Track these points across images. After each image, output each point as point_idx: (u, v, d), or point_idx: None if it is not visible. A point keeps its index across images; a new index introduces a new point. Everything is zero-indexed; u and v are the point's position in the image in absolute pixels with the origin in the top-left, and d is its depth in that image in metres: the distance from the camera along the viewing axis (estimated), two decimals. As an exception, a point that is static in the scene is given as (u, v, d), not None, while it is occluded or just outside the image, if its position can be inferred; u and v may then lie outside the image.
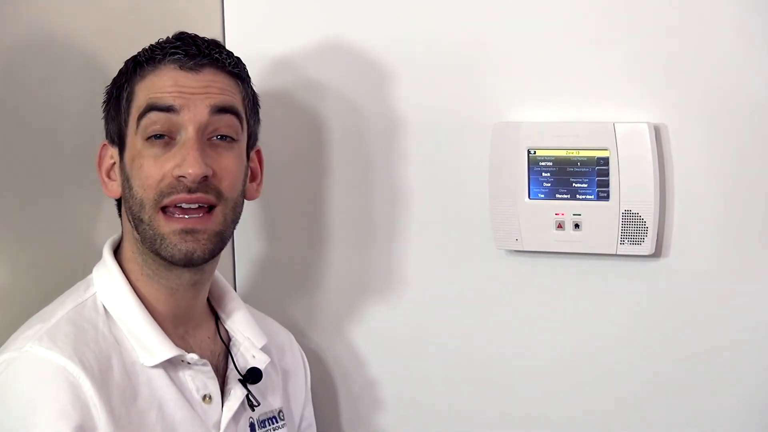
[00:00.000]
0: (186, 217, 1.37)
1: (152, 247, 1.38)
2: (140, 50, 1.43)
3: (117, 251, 1.46)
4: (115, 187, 1.44)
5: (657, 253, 1.52)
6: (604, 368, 1.59)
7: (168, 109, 1.37)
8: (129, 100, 1.41)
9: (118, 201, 1.46)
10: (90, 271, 1.44)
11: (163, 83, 1.39)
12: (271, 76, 1.72)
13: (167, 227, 1.37)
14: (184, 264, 1.39)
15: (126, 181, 1.41)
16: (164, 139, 1.38)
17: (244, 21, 1.77)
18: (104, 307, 1.40)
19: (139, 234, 1.39)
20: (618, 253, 1.52)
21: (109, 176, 1.45)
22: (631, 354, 1.57)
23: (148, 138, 1.38)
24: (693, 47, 1.49)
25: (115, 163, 1.44)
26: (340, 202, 1.74)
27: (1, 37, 1.47)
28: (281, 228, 1.80)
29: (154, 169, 1.37)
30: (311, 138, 1.74)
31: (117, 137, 1.43)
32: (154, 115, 1.37)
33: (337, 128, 1.72)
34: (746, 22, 1.46)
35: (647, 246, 1.51)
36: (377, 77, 1.67)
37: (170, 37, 1.43)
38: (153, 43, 1.43)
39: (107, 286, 1.42)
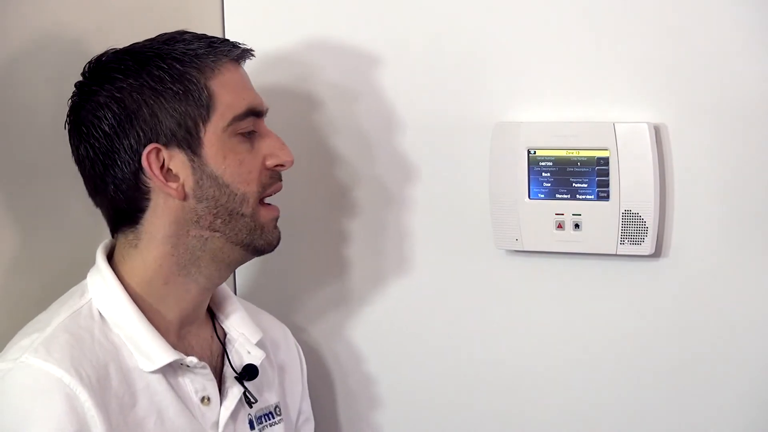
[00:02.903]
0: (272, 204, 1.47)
1: (249, 238, 1.43)
2: (194, 45, 1.39)
3: (111, 256, 1.43)
4: (180, 189, 1.39)
5: (657, 253, 1.52)
6: (603, 368, 1.59)
7: (262, 113, 1.45)
8: (209, 97, 1.38)
9: (133, 208, 1.41)
10: (89, 273, 1.44)
11: (238, 81, 1.43)
12: (271, 74, 1.72)
13: (266, 216, 1.44)
14: (271, 250, 1.47)
15: (211, 179, 1.39)
16: (254, 134, 1.44)
17: (244, 19, 1.77)
18: (100, 313, 1.38)
19: (231, 229, 1.41)
20: (618, 253, 1.52)
21: (166, 179, 1.39)
22: (631, 354, 1.57)
23: (239, 134, 1.41)
24: (693, 47, 1.48)
25: (164, 165, 1.38)
26: (339, 202, 1.74)
27: (1, 37, 1.47)
28: (280, 225, 1.79)
29: (253, 163, 1.42)
30: (310, 137, 1.74)
31: (186, 134, 1.38)
32: (252, 120, 1.42)
33: (337, 127, 1.72)
34: (746, 21, 1.46)
35: (647, 246, 1.51)
36: (378, 77, 1.67)
37: (195, 33, 1.42)
38: (190, 39, 1.40)
39: (102, 292, 1.40)
